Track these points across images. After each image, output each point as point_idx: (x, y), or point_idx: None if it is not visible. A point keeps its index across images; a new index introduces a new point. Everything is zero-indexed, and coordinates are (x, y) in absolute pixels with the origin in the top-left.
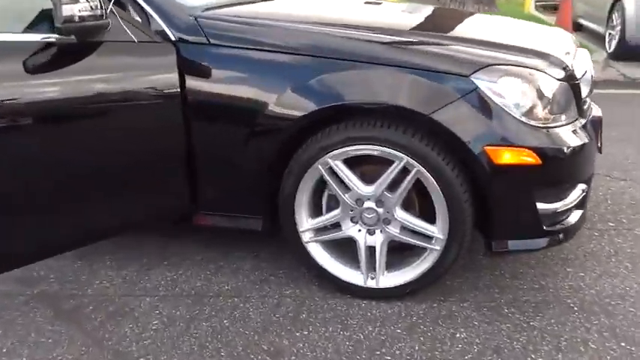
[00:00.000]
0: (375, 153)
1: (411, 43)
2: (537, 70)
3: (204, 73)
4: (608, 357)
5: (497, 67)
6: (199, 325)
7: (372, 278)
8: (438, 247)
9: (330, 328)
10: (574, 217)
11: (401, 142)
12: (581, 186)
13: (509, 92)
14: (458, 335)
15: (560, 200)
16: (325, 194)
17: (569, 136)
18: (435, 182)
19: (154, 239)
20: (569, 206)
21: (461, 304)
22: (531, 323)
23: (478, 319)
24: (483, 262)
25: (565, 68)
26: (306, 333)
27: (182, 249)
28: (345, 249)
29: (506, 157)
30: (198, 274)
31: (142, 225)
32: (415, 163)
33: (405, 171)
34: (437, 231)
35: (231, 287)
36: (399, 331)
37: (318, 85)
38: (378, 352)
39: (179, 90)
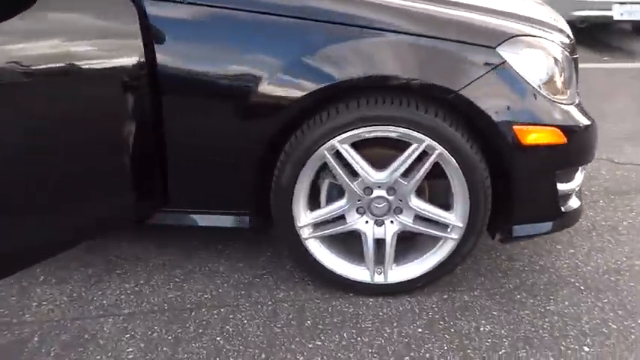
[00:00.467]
0: (393, 135)
1: (431, 10)
2: (553, 42)
3: (178, 42)
4: (632, 336)
5: (520, 38)
6: (188, 348)
7: (379, 273)
8: (455, 236)
9: (344, 334)
10: (575, 199)
11: (424, 123)
12: (584, 167)
13: (532, 65)
14: (482, 329)
15: (571, 181)
16: (325, 184)
17: (581, 113)
18: (458, 166)
19: (90, 243)
20: (578, 187)
21: (471, 293)
22: (548, 308)
23: (495, 308)
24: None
25: (570, 40)
26: (319, 343)
27: (132, 253)
28: (344, 243)
29: (534, 136)
30: (165, 282)
31: (98, 232)
32: (437, 145)
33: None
34: (455, 219)
35: (211, 295)
36: (420, 330)
37: (328, 57)
38: (408, 358)
39: (144, 62)
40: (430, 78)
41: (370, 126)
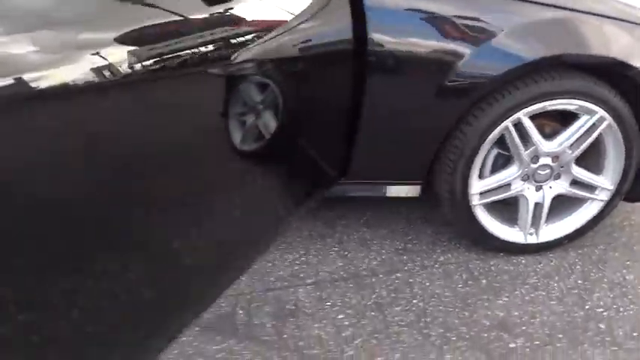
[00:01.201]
0: (572, 108)
1: None
2: None
3: (389, 15)
4: None
5: None
6: (393, 312)
7: (531, 234)
8: (604, 198)
9: (521, 290)
10: None
11: (601, 96)
12: None
13: None
14: (627, 277)
15: None
16: (493, 153)
17: None
18: (621, 135)
19: None
20: None
21: (598, 247)
22: None
23: (624, 259)
24: None
25: None
26: (507, 300)
27: None
28: (496, 208)
29: None
30: (326, 252)
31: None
32: (608, 116)
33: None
34: (607, 182)
35: (378, 262)
36: (580, 281)
37: (529, 36)
38: (588, 307)
39: (351, 37)
40: (626, 57)
41: (555, 99)
